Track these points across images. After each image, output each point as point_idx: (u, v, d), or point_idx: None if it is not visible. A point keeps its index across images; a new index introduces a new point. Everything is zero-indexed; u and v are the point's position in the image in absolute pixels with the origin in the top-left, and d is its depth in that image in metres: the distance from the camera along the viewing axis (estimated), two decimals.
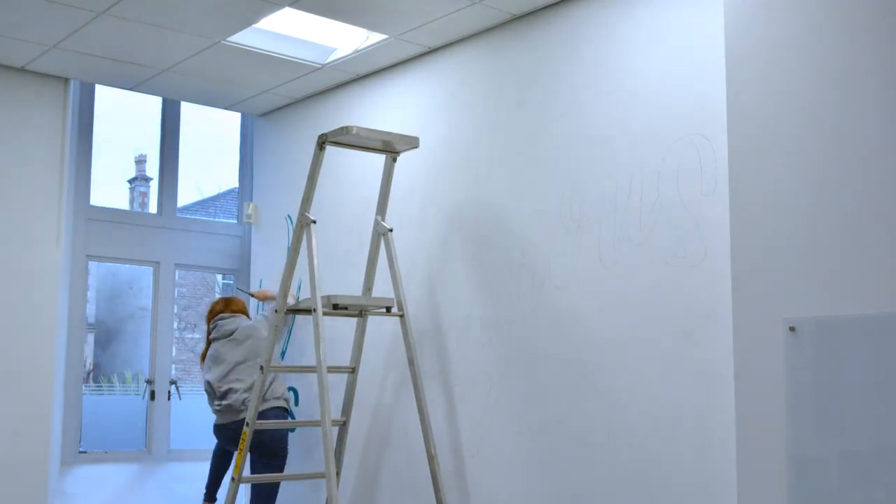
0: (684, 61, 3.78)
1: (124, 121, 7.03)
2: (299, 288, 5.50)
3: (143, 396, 6.01)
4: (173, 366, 6.21)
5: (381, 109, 5.24)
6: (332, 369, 4.72)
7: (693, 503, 3.58)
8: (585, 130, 4.15)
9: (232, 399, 5.15)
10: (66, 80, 5.46)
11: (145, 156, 9.10)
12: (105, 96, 5.97)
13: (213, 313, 5.47)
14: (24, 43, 4.89)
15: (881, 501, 2.78)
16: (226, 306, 5.49)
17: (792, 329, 3.01)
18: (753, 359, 3.12)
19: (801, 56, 3.09)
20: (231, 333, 5.30)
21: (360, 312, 4.81)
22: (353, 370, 4.87)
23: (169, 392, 6.02)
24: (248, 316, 5.53)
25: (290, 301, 4.88)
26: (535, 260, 4.29)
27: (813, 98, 3.04)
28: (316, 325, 4.34)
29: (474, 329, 4.52)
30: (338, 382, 4.99)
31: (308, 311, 4.61)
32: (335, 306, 4.54)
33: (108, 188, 6.53)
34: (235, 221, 6.57)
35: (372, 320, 4.92)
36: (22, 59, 5.14)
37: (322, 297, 4.43)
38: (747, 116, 3.21)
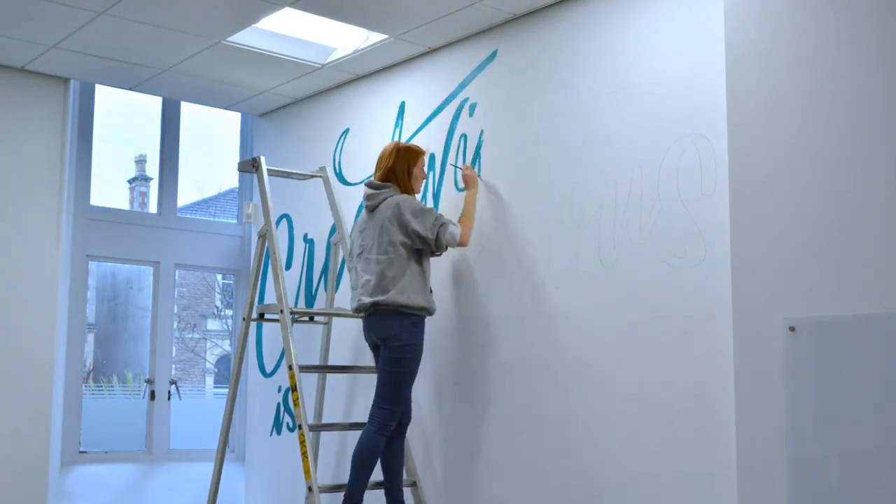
0: (684, 61, 3.78)
1: (124, 121, 7.03)
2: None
3: (143, 396, 6.01)
4: (173, 366, 6.21)
5: (381, 109, 5.24)
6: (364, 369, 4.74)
7: (693, 503, 3.58)
8: (585, 130, 4.15)
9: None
10: (66, 80, 5.46)
11: (145, 156, 9.11)
12: (105, 96, 5.97)
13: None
14: (24, 43, 4.89)
15: (881, 501, 2.78)
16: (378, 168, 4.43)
17: (792, 329, 3.01)
18: (753, 359, 3.12)
19: (800, 56, 3.09)
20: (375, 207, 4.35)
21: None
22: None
23: (169, 392, 6.02)
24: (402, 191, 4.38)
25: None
26: (535, 260, 4.29)
27: (812, 98, 3.04)
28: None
29: (474, 329, 4.52)
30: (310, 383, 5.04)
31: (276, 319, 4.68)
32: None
33: (108, 188, 6.52)
34: (235, 221, 6.57)
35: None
36: (22, 59, 5.14)
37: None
38: (747, 116, 3.21)
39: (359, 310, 4.28)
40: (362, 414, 4.39)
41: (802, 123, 3.06)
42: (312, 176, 5.23)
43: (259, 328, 5.99)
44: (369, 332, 4.27)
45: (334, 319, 5.09)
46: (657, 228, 3.81)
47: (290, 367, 4.36)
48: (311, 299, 5.52)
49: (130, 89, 5.65)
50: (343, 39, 4.92)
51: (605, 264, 4.00)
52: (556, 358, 4.15)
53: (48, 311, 5.28)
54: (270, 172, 4.87)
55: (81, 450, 5.75)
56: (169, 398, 6.02)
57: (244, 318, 4.79)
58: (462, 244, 4.29)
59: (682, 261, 3.71)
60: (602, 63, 4.12)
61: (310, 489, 4.14)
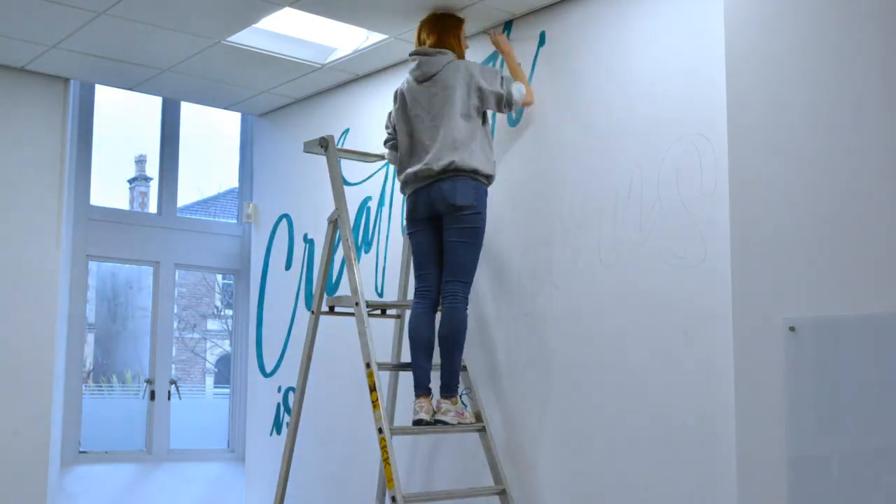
0: (684, 61, 3.78)
1: (124, 121, 7.03)
2: None
3: (143, 396, 6.01)
4: (173, 366, 6.21)
5: (381, 109, 5.24)
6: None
7: (693, 503, 3.58)
8: (585, 130, 4.15)
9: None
10: (66, 80, 5.46)
11: (145, 156, 9.11)
12: (105, 96, 5.97)
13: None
14: (24, 43, 4.89)
15: (881, 501, 2.78)
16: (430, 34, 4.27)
17: (792, 329, 3.01)
18: (753, 359, 3.12)
19: (800, 56, 3.09)
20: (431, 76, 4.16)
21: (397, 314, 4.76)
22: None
23: (169, 392, 6.02)
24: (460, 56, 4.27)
25: None
26: (535, 260, 4.29)
27: (812, 98, 3.04)
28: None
29: (474, 329, 4.51)
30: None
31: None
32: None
33: (108, 188, 6.52)
34: (235, 221, 6.57)
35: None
36: (22, 59, 5.14)
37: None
38: (747, 116, 3.21)
39: (423, 175, 4.06)
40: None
41: (802, 123, 3.06)
42: (384, 157, 4.77)
43: (259, 328, 5.99)
44: (435, 199, 4.06)
45: (407, 312, 4.64)
46: (657, 228, 3.81)
47: (368, 365, 4.04)
48: (310, 299, 5.52)
49: (130, 89, 5.65)
50: (343, 39, 4.92)
51: (605, 264, 3.99)
52: (556, 358, 4.15)
53: (48, 311, 5.28)
54: (341, 153, 4.63)
55: (81, 450, 5.75)
56: (169, 398, 6.02)
57: (312, 312, 4.48)
58: (528, 102, 4.23)
59: (682, 261, 3.71)
60: (602, 63, 4.12)
61: (393, 499, 3.78)
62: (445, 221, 4.11)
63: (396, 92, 4.30)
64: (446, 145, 4.04)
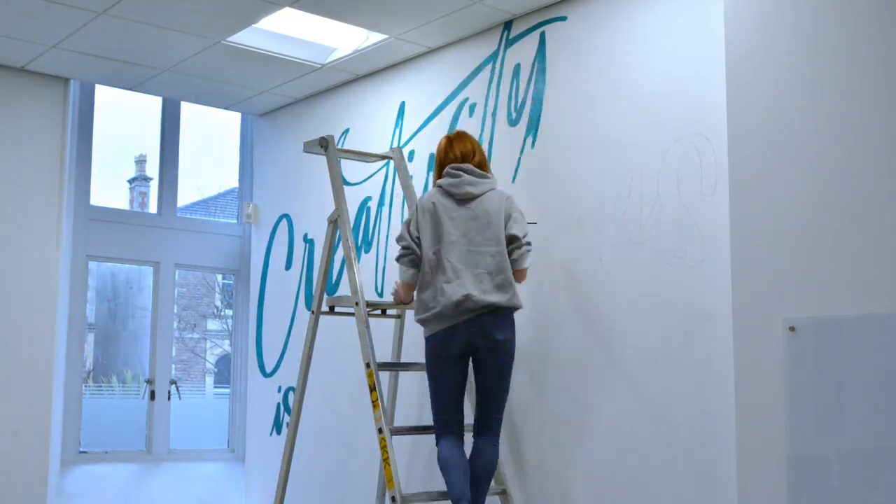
0: (684, 61, 3.78)
1: (124, 121, 7.03)
2: None
3: (143, 396, 6.02)
4: (173, 366, 6.21)
5: (381, 109, 5.24)
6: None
7: (693, 503, 3.58)
8: (586, 130, 4.15)
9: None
10: (66, 80, 5.46)
11: (145, 156, 9.12)
12: (105, 96, 5.97)
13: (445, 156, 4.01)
14: (24, 43, 4.89)
15: (881, 501, 2.78)
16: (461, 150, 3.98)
17: (792, 329, 3.01)
18: (753, 359, 3.12)
19: (800, 56, 3.09)
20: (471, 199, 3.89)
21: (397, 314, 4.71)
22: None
23: (169, 392, 6.02)
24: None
25: None
26: (535, 260, 4.28)
27: (812, 98, 3.04)
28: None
29: None
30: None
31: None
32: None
33: (108, 188, 6.52)
34: (235, 221, 6.57)
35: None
36: (22, 59, 5.15)
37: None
38: (747, 116, 3.21)
39: (467, 308, 3.77)
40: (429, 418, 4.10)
41: (802, 123, 3.06)
42: (384, 157, 4.81)
43: (259, 328, 5.99)
44: (475, 334, 3.80)
45: (408, 313, 4.69)
46: (657, 228, 3.81)
47: (368, 365, 4.02)
48: (310, 299, 5.52)
49: (130, 89, 5.65)
50: (343, 39, 4.93)
51: (605, 264, 4.00)
52: (556, 357, 4.15)
53: (48, 311, 5.28)
54: (341, 153, 4.59)
55: (81, 450, 5.75)
56: (169, 398, 6.02)
57: (312, 312, 4.47)
58: (523, 277, 3.92)
59: (682, 261, 3.71)
60: (602, 63, 4.12)
61: (393, 499, 3.77)
62: (481, 353, 3.84)
63: (422, 205, 3.94)
64: (495, 282, 3.79)
